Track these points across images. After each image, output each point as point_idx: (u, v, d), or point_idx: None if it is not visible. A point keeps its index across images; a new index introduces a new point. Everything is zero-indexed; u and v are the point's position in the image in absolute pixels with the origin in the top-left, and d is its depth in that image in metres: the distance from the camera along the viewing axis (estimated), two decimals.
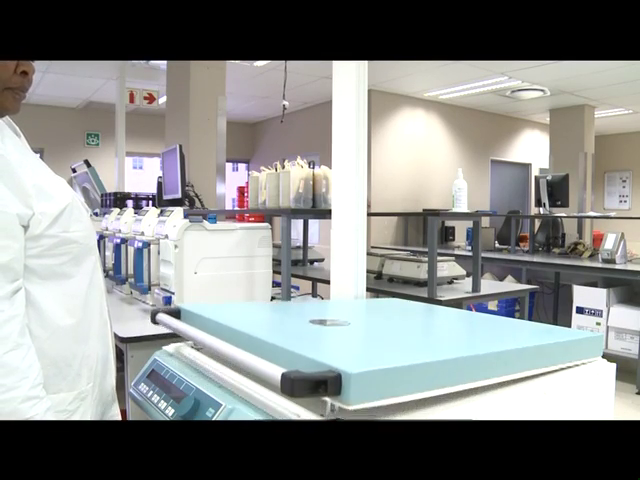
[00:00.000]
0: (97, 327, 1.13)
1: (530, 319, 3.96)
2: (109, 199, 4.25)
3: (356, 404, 0.77)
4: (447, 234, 6.64)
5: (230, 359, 0.96)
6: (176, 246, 2.04)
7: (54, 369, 1.04)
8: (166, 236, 2.13)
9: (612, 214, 5.97)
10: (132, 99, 6.18)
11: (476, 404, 0.97)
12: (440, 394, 0.86)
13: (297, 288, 2.86)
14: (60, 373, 1.04)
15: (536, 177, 5.75)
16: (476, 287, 2.66)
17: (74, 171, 5.73)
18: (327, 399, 0.79)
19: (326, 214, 2.08)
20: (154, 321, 1.26)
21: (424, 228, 6.49)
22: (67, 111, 7.92)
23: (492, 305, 5.24)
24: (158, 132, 6.14)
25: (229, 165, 9.55)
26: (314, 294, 3.16)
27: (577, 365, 1.14)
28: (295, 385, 0.76)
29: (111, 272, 2.58)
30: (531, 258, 4.98)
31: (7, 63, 0.99)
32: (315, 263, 3.56)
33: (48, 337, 1.03)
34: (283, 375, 0.78)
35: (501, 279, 5.22)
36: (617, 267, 4.15)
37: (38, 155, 1.05)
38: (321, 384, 0.76)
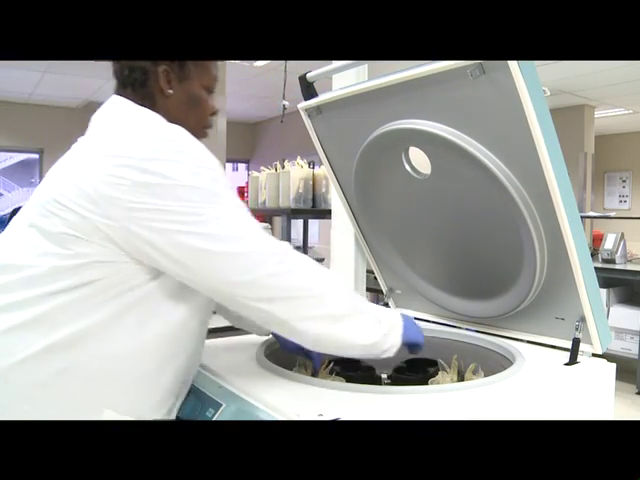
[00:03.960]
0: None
1: None
2: None
3: None
4: None
5: None
6: None
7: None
8: None
9: (612, 214, 5.96)
10: None
11: (476, 402, 0.97)
12: None
13: None
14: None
15: None
16: None
17: None
18: None
19: (326, 214, 2.08)
20: None
21: None
22: (67, 111, 7.91)
23: None
24: None
25: (229, 165, 9.55)
26: None
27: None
28: None
29: None
30: None
31: (208, 106, 1.10)
32: None
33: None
34: None
35: None
36: (617, 267, 4.14)
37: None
38: None
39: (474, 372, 1.30)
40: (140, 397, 0.93)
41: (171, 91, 1.03)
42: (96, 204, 0.86)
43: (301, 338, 0.96)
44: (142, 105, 1.00)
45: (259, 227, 0.94)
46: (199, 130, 1.09)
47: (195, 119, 1.08)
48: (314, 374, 1.28)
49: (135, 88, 1.02)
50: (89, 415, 0.88)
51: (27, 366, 0.85)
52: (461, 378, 1.31)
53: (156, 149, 0.88)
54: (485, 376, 1.22)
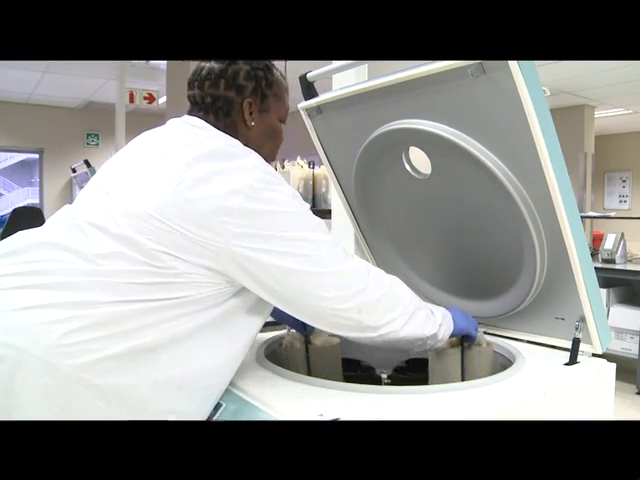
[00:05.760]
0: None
1: None
2: None
3: None
4: None
5: None
6: None
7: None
8: None
9: (612, 214, 5.95)
10: (132, 99, 6.17)
11: (476, 402, 0.97)
12: None
13: None
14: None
15: None
16: None
17: (74, 171, 5.72)
18: None
19: (326, 214, 2.08)
20: None
21: None
22: (67, 111, 7.92)
23: None
24: None
25: None
26: None
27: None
28: None
29: None
30: None
31: (281, 136, 1.16)
32: None
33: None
34: None
35: None
36: (617, 267, 4.13)
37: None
38: None
39: None
40: (202, 402, 0.98)
41: (253, 123, 1.09)
42: (203, 227, 0.90)
43: (381, 338, 1.03)
44: (225, 132, 1.04)
45: (342, 246, 1.02)
46: (271, 158, 1.16)
47: (270, 148, 1.15)
48: (307, 340, 1.29)
49: (218, 116, 1.08)
50: (155, 417, 0.90)
51: (105, 366, 0.85)
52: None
53: (260, 179, 0.94)
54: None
